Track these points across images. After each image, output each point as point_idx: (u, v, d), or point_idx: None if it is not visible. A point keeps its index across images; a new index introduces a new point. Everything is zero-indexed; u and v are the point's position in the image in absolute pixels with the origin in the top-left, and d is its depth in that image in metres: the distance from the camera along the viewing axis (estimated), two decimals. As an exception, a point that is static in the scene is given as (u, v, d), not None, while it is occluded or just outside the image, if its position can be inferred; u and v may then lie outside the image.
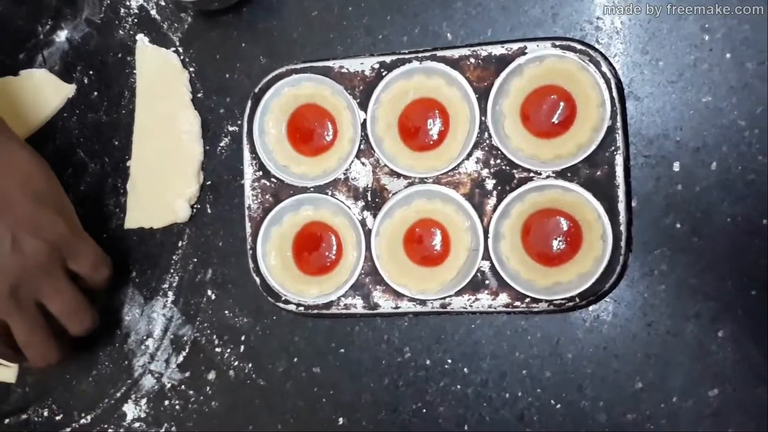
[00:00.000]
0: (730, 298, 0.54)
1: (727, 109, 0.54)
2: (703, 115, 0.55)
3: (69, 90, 0.73)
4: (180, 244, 0.68)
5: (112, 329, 0.70)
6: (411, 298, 0.60)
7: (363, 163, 0.62)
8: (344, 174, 0.62)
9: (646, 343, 0.56)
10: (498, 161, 0.59)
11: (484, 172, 0.59)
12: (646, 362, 0.55)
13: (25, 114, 0.73)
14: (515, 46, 0.58)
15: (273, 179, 0.64)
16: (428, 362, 0.61)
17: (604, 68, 0.56)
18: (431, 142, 0.61)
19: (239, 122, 0.66)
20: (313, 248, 0.63)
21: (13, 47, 0.75)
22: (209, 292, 0.67)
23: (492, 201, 0.59)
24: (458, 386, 0.60)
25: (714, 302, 0.54)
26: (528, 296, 0.57)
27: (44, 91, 0.73)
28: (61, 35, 0.73)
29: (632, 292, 0.56)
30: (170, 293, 0.68)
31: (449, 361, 0.60)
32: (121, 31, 0.71)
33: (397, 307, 0.61)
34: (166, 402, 0.68)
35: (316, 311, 0.63)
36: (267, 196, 0.64)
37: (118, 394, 0.70)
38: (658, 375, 0.55)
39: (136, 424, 0.69)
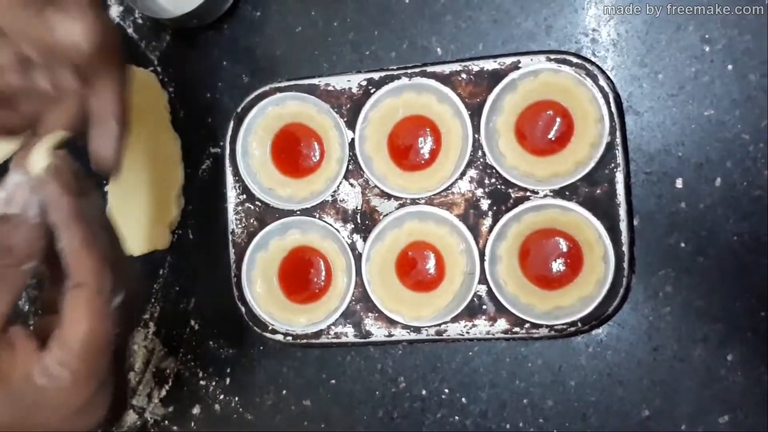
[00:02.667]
0: (738, 320, 0.52)
1: (730, 123, 0.53)
2: (706, 129, 0.53)
3: (43, 113, 0.70)
4: (161, 272, 0.66)
5: (91, 362, 0.67)
6: (405, 325, 0.58)
7: (352, 185, 0.60)
8: (332, 196, 0.60)
9: (652, 369, 0.54)
10: (493, 180, 0.57)
11: (479, 192, 0.57)
12: (652, 389, 0.54)
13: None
14: (508, 60, 0.56)
15: (258, 203, 0.62)
16: (424, 392, 0.58)
17: (602, 82, 0.54)
18: (423, 162, 0.59)
19: (221, 144, 0.64)
20: (300, 274, 0.61)
21: (-15, 69, 0.72)
22: (192, 323, 0.65)
23: (487, 222, 0.57)
24: (456, 417, 0.58)
25: (722, 325, 0.52)
26: (527, 321, 0.55)
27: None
28: (35, 56, 0.71)
29: (636, 315, 0.54)
30: (151, 324, 0.66)
31: (446, 390, 0.58)
32: (97, 51, 0.68)
33: (390, 335, 0.58)
34: (149, 438, 0.66)
35: (305, 341, 0.60)
36: (252, 221, 0.62)
37: (99, 431, 0.67)
38: (665, 402, 0.53)
39: (118, 463, 0.66)
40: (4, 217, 0.38)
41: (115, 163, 0.43)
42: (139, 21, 0.67)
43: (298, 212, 0.61)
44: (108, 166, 0.43)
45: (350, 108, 0.60)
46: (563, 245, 0.55)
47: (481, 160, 0.57)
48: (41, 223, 0.38)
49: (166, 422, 0.65)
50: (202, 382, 0.64)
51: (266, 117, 0.62)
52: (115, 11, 0.68)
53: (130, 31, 0.67)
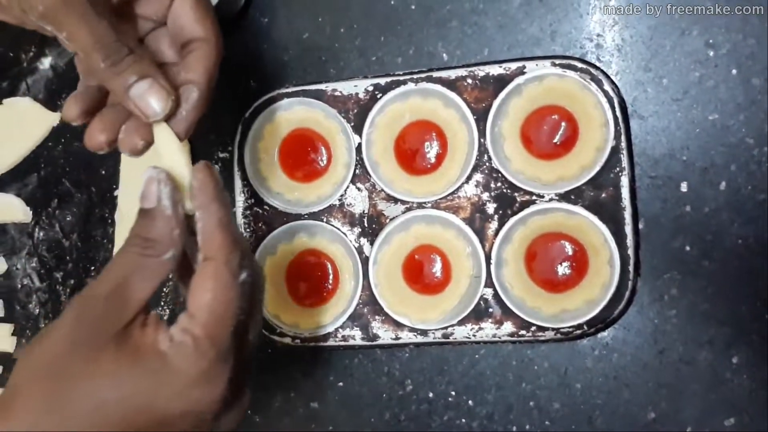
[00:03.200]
0: (744, 323, 0.52)
1: (735, 127, 0.53)
2: (710, 133, 0.53)
3: (54, 118, 0.71)
4: (170, 276, 0.65)
5: (101, 365, 0.68)
6: (411, 328, 0.58)
7: (359, 189, 0.60)
8: (339, 200, 0.61)
9: (657, 372, 0.54)
10: (499, 184, 0.57)
11: (485, 196, 0.57)
12: (658, 391, 0.54)
13: (9, 144, 0.71)
14: (513, 65, 0.56)
15: (265, 207, 0.62)
16: (431, 395, 0.59)
17: (607, 87, 0.54)
18: (429, 166, 0.59)
19: (230, 149, 0.64)
20: (308, 278, 0.61)
21: (-4, 75, 0.73)
22: (201, 325, 0.65)
23: (493, 225, 0.57)
24: (463, 420, 0.58)
25: (727, 328, 0.52)
26: (534, 324, 0.55)
27: (28, 120, 0.71)
28: (45, 62, 0.71)
29: (642, 318, 0.54)
30: (161, 327, 0.66)
31: (453, 393, 0.58)
32: (107, 57, 0.69)
33: (397, 338, 0.59)
34: (158, 441, 0.66)
35: (312, 343, 0.61)
36: (260, 225, 0.62)
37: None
38: (671, 405, 0.53)
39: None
40: (142, 210, 0.42)
41: (186, 129, 0.46)
42: (149, 27, 0.68)
43: (306, 216, 0.61)
44: (178, 131, 0.45)
45: (357, 113, 0.60)
46: (569, 249, 0.55)
47: (487, 164, 0.57)
48: (177, 213, 0.41)
49: (176, 424, 0.65)
50: (210, 385, 0.64)
51: (274, 122, 0.62)
52: (124, 18, 0.69)
53: (139, 37, 0.68)
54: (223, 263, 0.40)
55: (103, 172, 0.69)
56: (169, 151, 0.45)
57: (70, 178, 0.70)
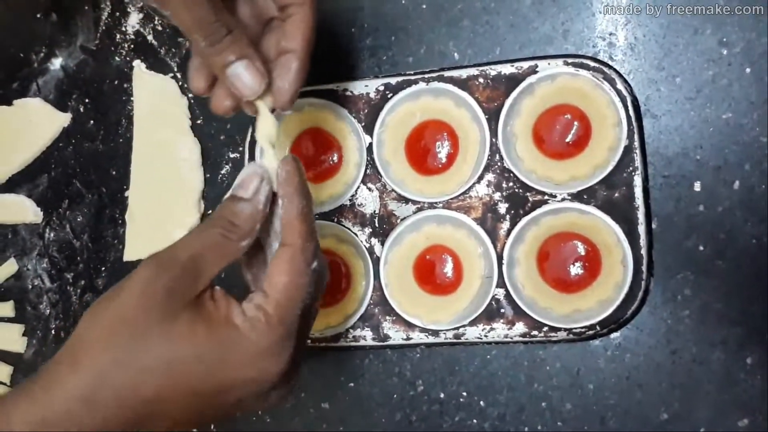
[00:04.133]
0: (757, 323, 0.52)
1: (749, 126, 0.52)
2: (724, 132, 0.53)
3: (64, 119, 0.71)
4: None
5: (112, 365, 0.68)
6: (423, 328, 0.58)
7: (370, 189, 0.60)
8: (350, 200, 0.60)
9: (670, 372, 0.53)
10: (510, 184, 0.57)
11: (497, 196, 0.57)
12: (671, 392, 0.53)
13: (19, 144, 0.72)
14: (525, 64, 0.56)
15: (276, 207, 0.62)
16: (442, 395, 0.58)
17: (619, 86, 0.54)
18: (440, 166, 0.59)
19: (240, 149, 0.64)
20: (319, 278, 0.61)
21: (7, 76, 0.73)
22: (212, 326, 0.65)
23: (505, 225, 0.57)
24: (474, 420, 0.58)
25: (741, 328, 0.52)
26: (546, 325, 0.55)
27: (39, 121, 0.71)
28: (56, 63, 0.71)
29: (655, 318, 0.54)
30: (172, 327, 0.66)
31: (464, 394, 0.58)
32: (117, 58, 0.69)
33: (408, 339, 0.58)
34: (169, 441, 0.66)
35: (323, 344, 0.60)
36: (270, 225, 0.62)
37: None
38: (684, 405, 0.53)
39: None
40: (235, 197, 0.45)
41: (290, 100, 0.48)
42: (159, 28, 0.68)
43: (317, 216, 0.61)
44: (283, 102, 0.48)
45: (368, 113, 0.60)
46: (581, 248, 0.55)
47: (499, 164, 0.57)
48: (265, 209, 0.46)
49: (186, 425, 0.65)
50: (221, 385, 0.64)
51: (284, 122, 0.62)
52: (134, 19, 0.69)
53: (150, 38, 0.68)
54: (300, 250, 0.44)
55: (114, 172, 0.69)
56: (264, 135, 0.48)
57: (81, 179, 0.70)
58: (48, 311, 0.71)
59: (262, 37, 0.49)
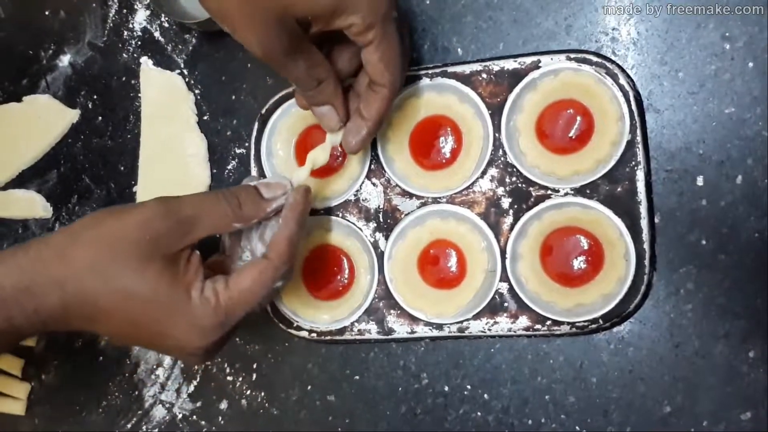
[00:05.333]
0: (760, 317, 0.52)
1: (751, 120, 0.52)
2: (726, 126, 0.53)
3: (73, 115, 0.72)
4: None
5: (122, 359, 0.69)
6: (427, 322, 0.58)
7: (374, 184, 0.61)
8: (355, 195, 0.61)
9: (673, 366, 0.54)
10: (514, 179, 0.57)
11: (500, 191, 0.57)
12: (674, 385, 0.53)
13: (29, 140, 0.72)
14: (528, 59, 0.56)
15: (282, 202, 0.62)
16: (446, 388, 0.59)
17: (622, 80, 0.54)
18: (444, 161, 0.59)
19: (246, 144, 0.65)
20: (324, 272, 0.62)
21: (16, 73, 0.74)
22: (219, 320, 0.66)
23: (509, 220, 0.57)
24: (478, 413, 0.58)
25: (743, 321, 0.52)
26: (549, 318, 0.55)
27: (48, 117, 0.72)
28: (64, 60, 0.72)
29: (658, 312, 0.54)
30: (179, 321, 0.67)
31: (468, 387, 0.58)
32: (124, 54, 0.70)
33: (412, 332, 0.59)
34: (178, 433, 0.67)
35: (329, 337, 0.61)
36: (276, 220, 0.62)
37: (129, 425, 0.68)
38: (687, 398, 0.53)
39: (148, 456, 0.67)
40: (256, 190, 0.52)
41: (353, 152, 0.55)
42: (166, 25, 0.69)
43: (322, 211, 0.62)
44: (348, 151, 0.55)
45: (372, 108, 0.60)
46: (584, 243, 0.55)
47: (502, 159, 0.57)
48: (270, 213, 0.52)
49: (194, 417, 0.66)
50: (229, 378, 0.65)
51: (290, 118, 0.63)
52: (142, 15, 0.69)
53: (157, 34, 0.69)
54: (273, 268, 0.50)
55: (122, 168, 0.70)
56: (315, 157, 0.56)
57: (90, 174, 0.71)
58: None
59: (359, 71, 0.54)
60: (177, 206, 0.49)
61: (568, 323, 0.55)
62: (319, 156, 0.56)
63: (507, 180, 0.57)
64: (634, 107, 0.54)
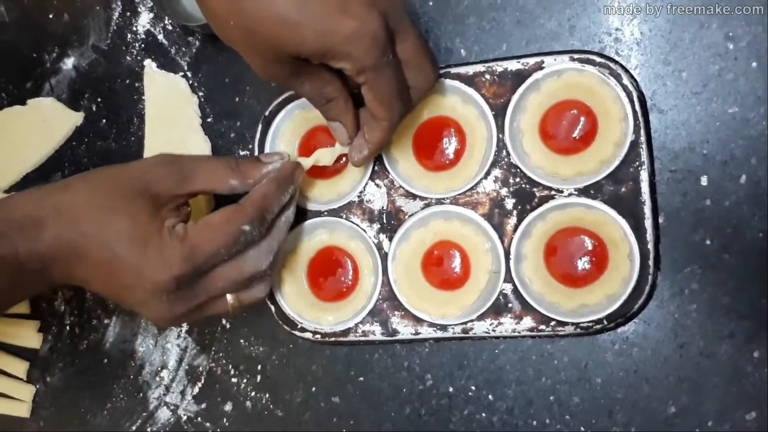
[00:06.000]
0: (764, 317, 0.52)
1: (755, 120, 0.52)
2: (730, 126, 0.53)
3: (77, 118, 0.72)
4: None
5: (126, 361, 0.69)
6: (431, 323, 0.58)
7: (377, 185, 0.61)
8: (358, 197, 0.61)
9: (678, 366, 0.54)
10: (517, 180, 0.57)
11: (504, 191, 0.57)
12: (678, 386, 0.54)
13: (33, 143, 0.73)
14: (532, 60, 0.56)
15: (286, 204, 0.62)
16: (451, 389, 0.59)
17: (625, 81, 0.54)
18: (447, 162, 0.59)
19: (250, 146, 0.65)
20: (328, 273, 0.62)
21: (20, 76, 0.74)
22: (223, 321, 0.66)
23: (512, 221, 0.57)
24: (483, 414, 0.58)
25: (748, 321, 0.52)
26: (553, 319, 0.55)
27: (52, 120, 0.72)
28: (68, 63, 0.72)
29: (662, 312, 0.54)
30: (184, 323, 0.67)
31: (473, 388, 0.58)
32: (128, 57, 0.70)
33: (416, 333, 0.59)
34: (182, 435, 0.67)
35: (333, 339, 0.61)
36: (280, 222, 0.63)
37: (134, 427, 0.69)
38: (691, 399, 0.53)
39: (152, 458, 0.67)
40: (257, 157, 0.56)
41: (358, 165, 0.57)
42: (169, 27, 0.69)
43: (326, 213, 0.62)
44: (354, 165, 0.57)
45: (376, 110, 0.60)
46: (588, 243, 0.55)
47: (506, 159, 0.57)
48: (265, 176, 0.55)
49: (199, 419, 0.66)
50: (233, 380, 0.65)
51: (293, 120, 0.63)
52: (145, 18, 0.69)
53: (160, 37, 0.69)
54: (243, 210, 0.52)
55: (126, 170, 0.70)
56: (319, 157, 0.58)
57: (94, 177, 0.71)
58: (62, 308, 0.72)
59: None
60: (177, 158, 0.54)
61: (573, 324, 0.55)
62: (325, 155, 0.58)
63: (511, 181, 0.57)
64: (637, 107, 0.54)
